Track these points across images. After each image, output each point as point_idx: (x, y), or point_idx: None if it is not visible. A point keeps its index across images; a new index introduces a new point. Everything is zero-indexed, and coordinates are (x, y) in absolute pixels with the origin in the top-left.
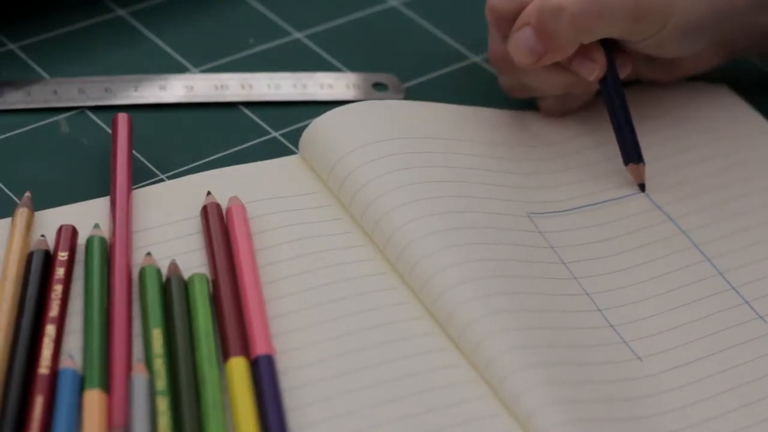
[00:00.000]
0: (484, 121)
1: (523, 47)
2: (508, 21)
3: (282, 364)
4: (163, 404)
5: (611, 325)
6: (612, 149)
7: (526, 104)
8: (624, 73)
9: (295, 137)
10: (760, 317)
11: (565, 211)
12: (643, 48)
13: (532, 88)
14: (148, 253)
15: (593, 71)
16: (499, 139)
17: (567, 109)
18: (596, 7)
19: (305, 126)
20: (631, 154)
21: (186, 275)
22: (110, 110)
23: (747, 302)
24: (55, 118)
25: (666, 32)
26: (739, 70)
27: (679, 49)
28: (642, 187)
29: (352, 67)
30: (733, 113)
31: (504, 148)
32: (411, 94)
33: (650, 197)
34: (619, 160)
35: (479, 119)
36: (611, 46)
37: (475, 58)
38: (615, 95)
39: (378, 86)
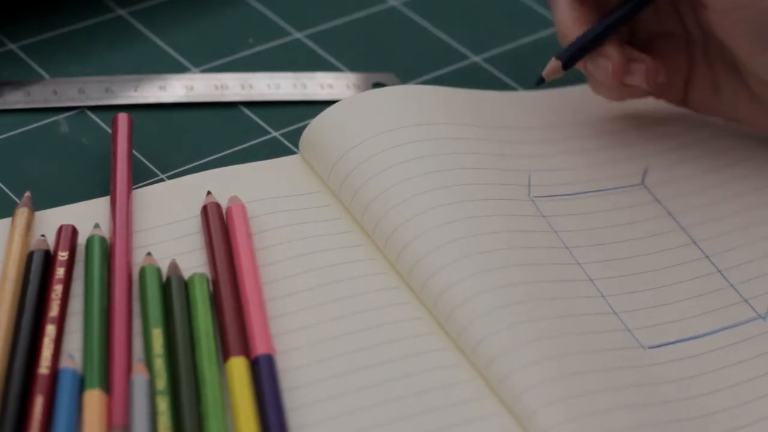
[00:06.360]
0: (483, 104)
1: None
2: None
3: (282, 364)
4: (163, 404)
5: (615, 312)
6: (615, 138)
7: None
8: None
9: (295, 137)
10: (761, 317)
11: (568, 195)
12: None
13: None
14: (148, 253)
15: None
16: (500, 121)
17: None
18: None
19: (305, 126)
20: (567, 54)
21: (186, 275)
22: (110, 110)
23: (746, 300)
24: (55, 118)
25: None
26: None
27: None
28: (540, 79)
29: (352, 67)
30: None
31: (505, 131)
32: None
33: (650, 191)
34: (621, 149)
35: (479, 101)
36: None
37: (475, 58)
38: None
39: (378, 86)
